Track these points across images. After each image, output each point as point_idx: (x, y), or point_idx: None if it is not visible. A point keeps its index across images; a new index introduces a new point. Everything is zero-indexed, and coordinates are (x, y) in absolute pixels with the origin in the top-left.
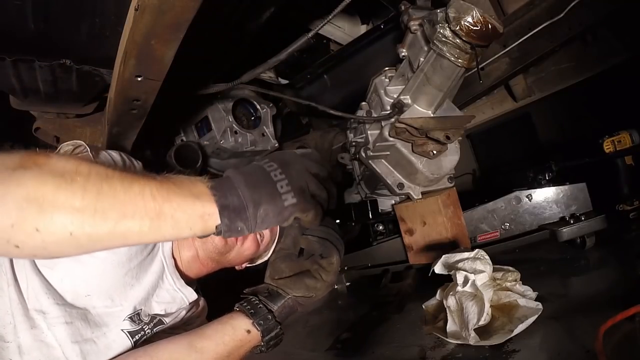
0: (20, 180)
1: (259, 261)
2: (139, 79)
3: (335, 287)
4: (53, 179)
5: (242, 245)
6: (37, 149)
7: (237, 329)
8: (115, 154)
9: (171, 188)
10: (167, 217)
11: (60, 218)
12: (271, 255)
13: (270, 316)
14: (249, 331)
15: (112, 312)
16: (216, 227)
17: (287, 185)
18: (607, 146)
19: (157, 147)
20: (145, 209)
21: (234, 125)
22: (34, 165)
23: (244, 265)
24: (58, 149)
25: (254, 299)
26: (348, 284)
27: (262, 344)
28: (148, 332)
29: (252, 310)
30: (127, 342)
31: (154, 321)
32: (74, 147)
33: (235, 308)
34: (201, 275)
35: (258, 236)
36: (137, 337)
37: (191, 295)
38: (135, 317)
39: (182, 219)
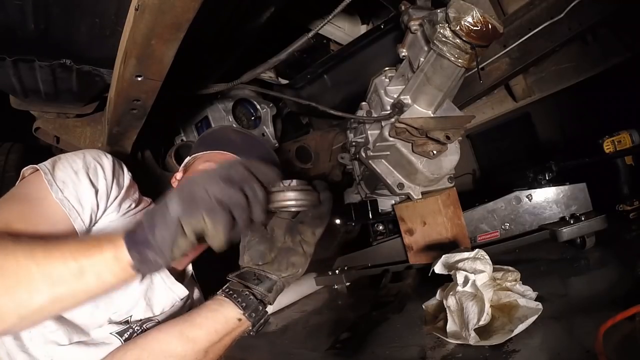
0: None
1: None
2: (139, 78)
3: (335, 287)
4: None
5: None
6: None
7: (229, 318)
8: (107, 166)
9: (90, 243)
10: (89, 272)
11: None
12: (244, 240)
13: (260, 307)
14: (240, 319)
15: (99, 317)
16: (131, 266)
17: (177, 201)
18: (607, 146)
19: (157, 147)
20: (69, 272)
21: (234, 125)
22: None
23: None
24: (21, 174)
25: (243, 290)
26: (348, 284)
27: (252, 329)
28: (137, 329)
29: (243, 303)
30: (117, 342)
31: (144, 322)
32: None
33: (222, 296)
34: (195, 257)
35: None
36: (126, 335)
37: (182, 291)
38: (124, 323)
39: (102, 269)
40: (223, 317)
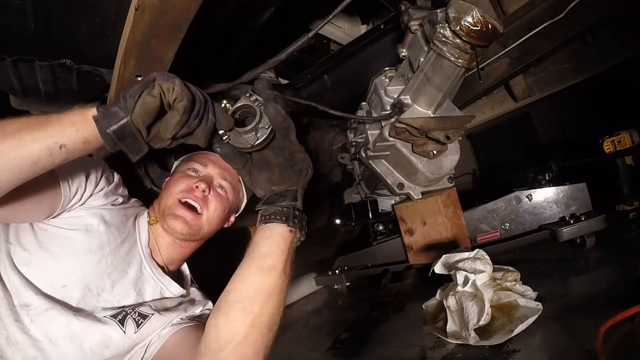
0: None
1: (242, 207)
2: (139, 78)
3: (335, 287)
4: None
5: (208, 209)
6: None
7: (283, 234)
8: (99, 164)
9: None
10: (53, 121)
11: None
12: (247, 182)
13: (297, 212)
14: (291, 230)
15: (90, 301)
16: (93, 116)
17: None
18: (607, 146)
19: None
20: (38, 122)
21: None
22: None
23: (232, 220)
24: None
25: (275, 208)
26: (348, 284)
27: (302, 233)
28: (130, 312)
29: (283, 217)
30: (112, 322)
31: (137, 306)
32: None
33: (264, 223)
34: (187, 256)
35: (219, 190)
36: (119, 317)
37: (169, 284)
38: (119, 312)
39: (64, 119)
40: (279, 236)
